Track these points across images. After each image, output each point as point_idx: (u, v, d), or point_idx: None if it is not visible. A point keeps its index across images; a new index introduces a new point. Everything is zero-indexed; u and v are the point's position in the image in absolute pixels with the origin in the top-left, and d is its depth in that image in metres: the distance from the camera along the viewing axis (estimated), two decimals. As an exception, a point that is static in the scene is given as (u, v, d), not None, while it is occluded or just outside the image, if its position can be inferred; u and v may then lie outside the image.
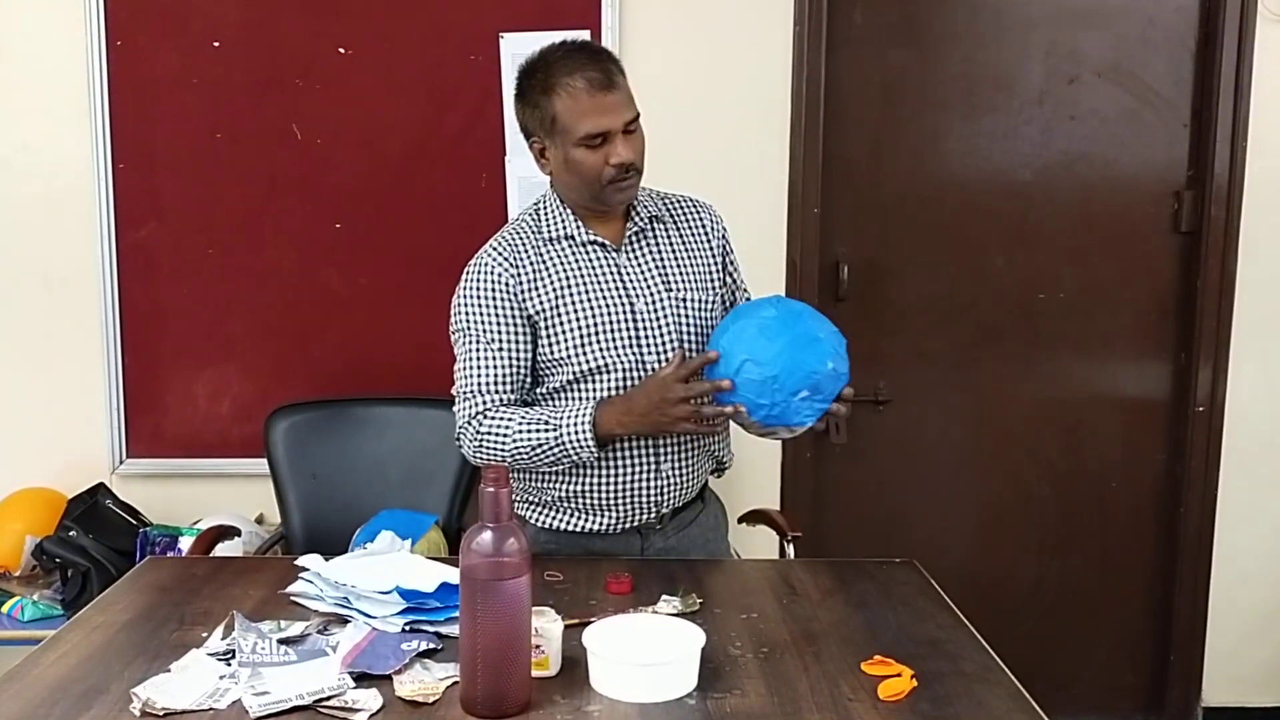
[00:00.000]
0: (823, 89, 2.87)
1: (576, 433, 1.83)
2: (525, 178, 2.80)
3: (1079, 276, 3.01)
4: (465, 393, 1.91)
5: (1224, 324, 2.96)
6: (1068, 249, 3.00)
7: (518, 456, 1.87)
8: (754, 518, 2.56)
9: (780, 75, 2.85)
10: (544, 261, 1.93)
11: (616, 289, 1.94)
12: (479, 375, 1.90)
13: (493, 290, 1.91)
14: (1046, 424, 3.07)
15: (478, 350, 1.91)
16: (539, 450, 1.86)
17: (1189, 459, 3.02)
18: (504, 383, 1.90)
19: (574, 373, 1.91)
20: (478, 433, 1.89)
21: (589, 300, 1.92)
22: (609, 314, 1.92)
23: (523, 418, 1.87)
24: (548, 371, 1.93)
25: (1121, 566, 3.12)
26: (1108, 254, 3.01)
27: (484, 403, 1.89)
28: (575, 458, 1.85)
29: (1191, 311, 2.99)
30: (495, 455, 1.88)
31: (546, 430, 1.84)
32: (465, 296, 1.93)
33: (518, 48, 2.75)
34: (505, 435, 1.86)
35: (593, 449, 1.83)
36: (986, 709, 1.45)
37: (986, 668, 1.57)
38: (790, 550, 2.39)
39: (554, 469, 1.94)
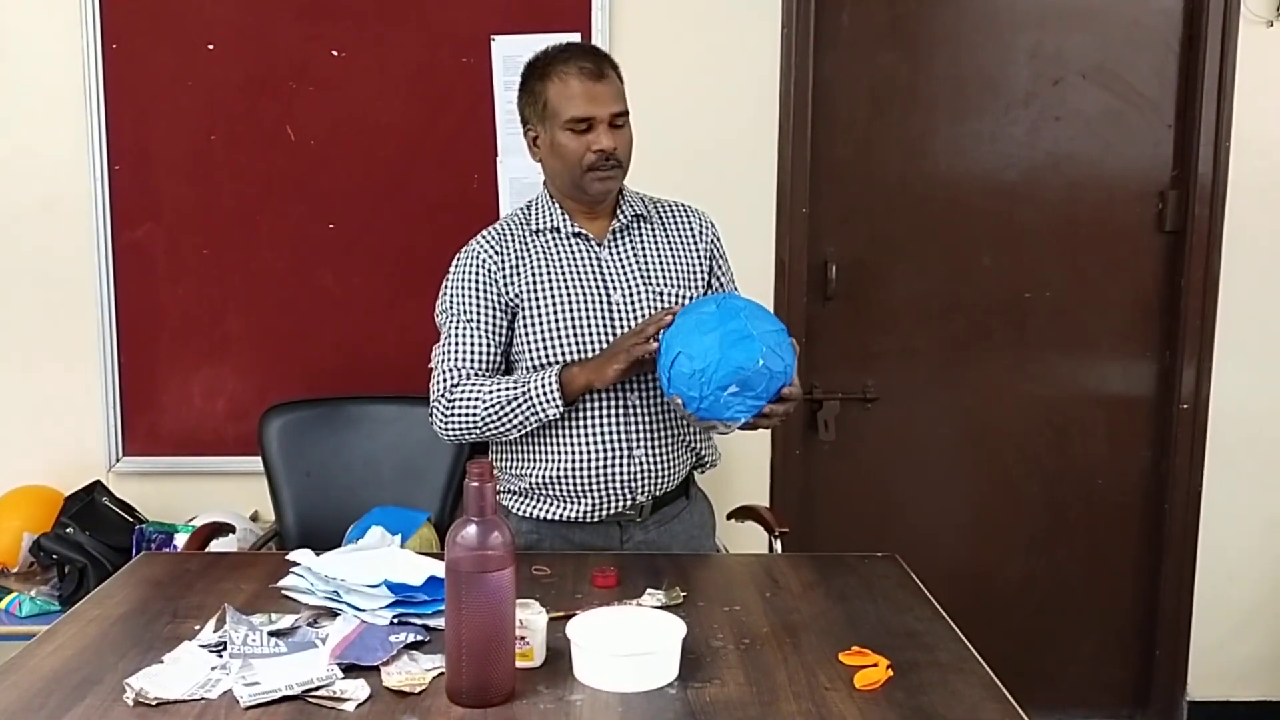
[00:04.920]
0: (811, 90, 2.90)
1: (542, 386, 1.92)
2: (517, 179, 2.83)
3: (1065, 276, 3.04)
4: (441, 368, 2.02)
5: (1208, 322, 2.99)
6: (1054, 249, 3.03)
7: (487, 418, 1.96)
8: (742, 514, 2.58)
9: (769, 77, 2.88)
10: (528, 251, 2.02)
11: (595, 280, 2.01)
12: (456, 351, 2.00)
13: (477, 275, 2.01)
14: (1033, 421, 3.10)
15: (457, 329, 2.01)
16: (508, 408, 1.94)
17: (1174, 455, 3.05)
18: (479, 360, 2.00)
19: (548, 359, 1.98)
20: (450, 401, 1.99)
21: (567, 289, 1.99)
22: (585, 303, 1.99)
23: (494, 382, 1.97)
24: (523, 358, 2.00)
25: (1108, 562, 3.15)
26: (1093, 253, 3.03)
27: (458, 375, 1.99)
28: (542, 413, 1.93)
29: (1176, 310, 3.02)
30: (465, 420, 1.98)
31: (515, 388, 1.94)
32: (452, 281, 2.04)
33: (509, 50, 2.78)
34: (476, 398, 1.96)
35: (558, 401, 1.91)
36: (959, 698, 1.48)
37: (962, 658, 1.60)
38: (778, 546, 2.40)
39: (528, 452, 2.01)
